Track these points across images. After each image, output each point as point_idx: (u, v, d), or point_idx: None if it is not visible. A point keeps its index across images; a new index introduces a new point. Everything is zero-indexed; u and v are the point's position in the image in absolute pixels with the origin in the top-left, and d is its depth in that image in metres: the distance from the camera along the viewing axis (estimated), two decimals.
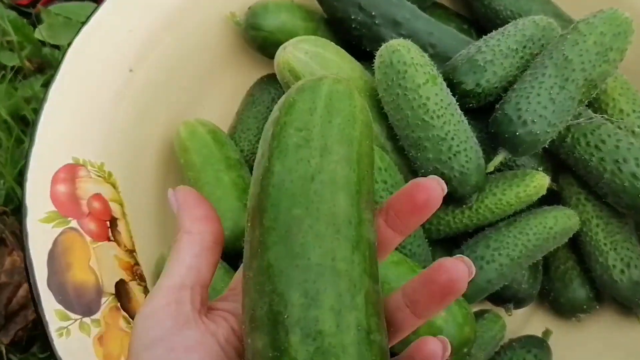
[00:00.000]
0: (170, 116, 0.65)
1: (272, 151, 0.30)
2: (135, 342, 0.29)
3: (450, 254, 0.57)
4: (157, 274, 0.55)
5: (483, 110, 0.58)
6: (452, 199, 0.55)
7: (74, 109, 0.55)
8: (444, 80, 0.56)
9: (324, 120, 0.30)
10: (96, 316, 0.46)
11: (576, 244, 0.60)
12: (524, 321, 0.63)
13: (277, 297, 0.26)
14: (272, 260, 0.27)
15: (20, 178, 0.73)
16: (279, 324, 0.26)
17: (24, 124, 0.79)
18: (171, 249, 0.32)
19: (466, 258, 0.31)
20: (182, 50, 0.65)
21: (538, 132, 0.53)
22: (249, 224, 0.30)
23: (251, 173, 0.62)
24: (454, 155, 0.53)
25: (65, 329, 0.44)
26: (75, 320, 0.45)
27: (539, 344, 0.57)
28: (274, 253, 0.28)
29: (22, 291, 0.67)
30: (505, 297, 0.59)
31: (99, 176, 0.54)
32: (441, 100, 0.53)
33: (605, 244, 0.57)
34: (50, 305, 0.45)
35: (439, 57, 0.60)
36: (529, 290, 0.59)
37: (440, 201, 0.32)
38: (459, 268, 0.30)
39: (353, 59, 0.59)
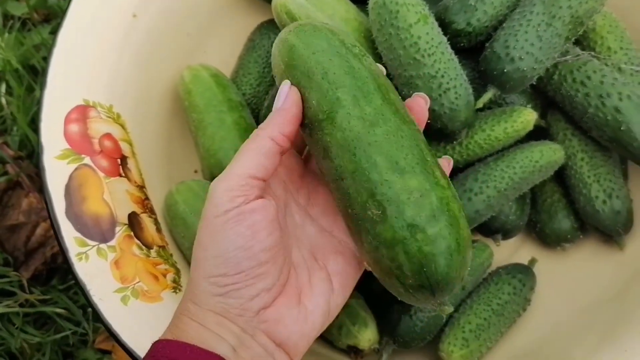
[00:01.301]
0: (175, 61, 0.67)
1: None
2: (210, 212, 0.38)
3: None
4: (167, 208, 0.59)
5: (475, 49, 0.60)
6: (443, 135, 0.58)
7: (82, 53, 0.57)
8: (436, 19, 0.58)
9: None
10: (112, 243, 0.50)
11: (562, 178, 0.63)
12: (512, 252, 0.67)
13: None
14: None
15: (33, 125, 0.77)
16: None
17: (34, 73, 0.82)
18: (244, 144, 0.40)
19: (421, 93, 0.45)
20: None
21: (525, 68, 0.55)
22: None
23: (252, 115, 0.66)
24: (444, 92, 0.55)
25: (84, 254, 0.49)
26: (93, 246, 0.49)
27: (524, 270, 0.61)
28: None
29: (40, 230, 0.71)
30: (493, 228, 0.62)
31: (109, 117, 0.57)
32: (432, 39, 0.55)
33: (589, 177, 0.60)
34: (69, 234, 0.49)
35: None
36: (516, 222, 0.62)
37: (427, 113, 0.43)
38: (417, 102, 0.43)
39: (348, 1, 0.61)
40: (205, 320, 0.37)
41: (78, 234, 0.49)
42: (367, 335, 0.56)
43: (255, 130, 0.40)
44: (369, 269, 0.42)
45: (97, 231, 0.50)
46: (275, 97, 0.42)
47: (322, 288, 0.41)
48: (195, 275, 0.38)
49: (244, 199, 0.37)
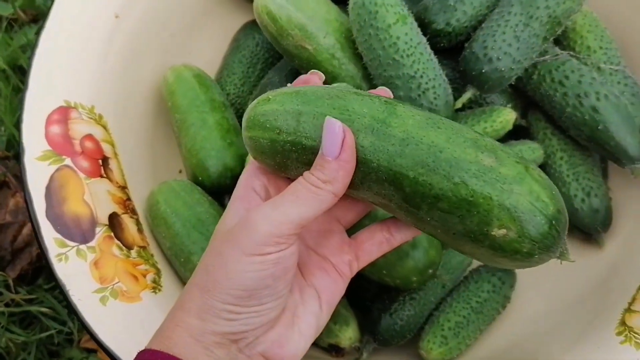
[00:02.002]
0: (159, 61, 0.68)
1: None
2: (249, 246, 0.36)
3: None
4: (149, 209, 0.59)
5: (455, 49, 0.61)
6: None
7: (64, 54, 0.58)
8: (416, 20, 0.58)
9: None
10: (91, 243, 0.50)
11: None
12: None
13: None
14: None
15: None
16: None
17: (22, 74, 0.83)
18: (306, 190, 0.37)
19: (384, 88, 0.42)
20: None
21: (503, 69, 0.56)
22: None
23: (236, 115, 0.66)
24: (423, 92, 0.55)
25: (64, 255, 0.49)
26: (72, 247, 0.50)
27: (503, 269, 0.62)
28: None
29: (27, 230, 0.72)
30: None
31: (91, 118, 0.57)
32: (411, 39, 0.55)
33: (567, 175, 0.60)
34: (49, 234, 0.50)
35: None
36: None
37: None
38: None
39: (329, 1, 0.61)
40: (205, 338, 0.36)
41: (58, 235, 0.49)
42: (348, 334, 0.57)
43: (317, 180, 0.37)
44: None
45: (77, 232, 0.50)
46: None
47: (312, 307, 0.41)
48: (209, 296, 0.37)
49: (287, 246, 0.37)
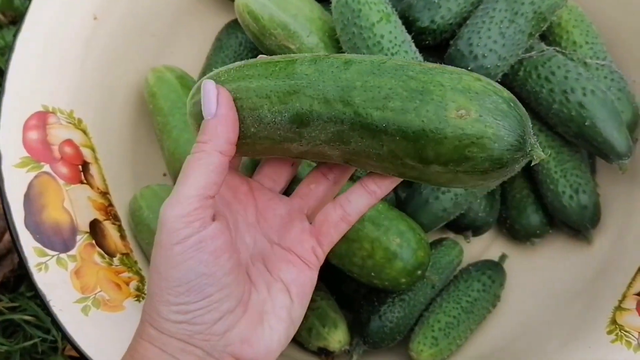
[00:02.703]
0: (140, 63, 0.66)
1: None
2: (165, 240, 0.36)
3: (410, 187, 0.60)
4: (131, 214, 0.58)
5: (440, 47, 0.60)
6: None
7: (42, 58, 0.56)
8: (401, 17, 0.57)
9: None
10: (72, 252, 0.49)
11: (531, 174, 0.63)
12: (484, 248, 0.67)
13: None
14: None
15: None
16: None
17: (1, 76, 0.81)
18: (190, 161, 0.37)
19: None
20: None
21: (489, 66, 0.55)
22: None
23: None
24: None
25: (44, 264, 0.48)
26: (53, 256, 0.48)
27: (493, 267, 0.61)
28: None
29: (8, 237, 0.70)
30: (463, 225, 0.62)
31: (69, 123, 0.56)
32: (395, 37, 0.55)
33: (556, 172, 0.60)
34: (28, 243, 0.48)
35: None
36: (486, 218, 0.62)
37: None
38: None
39: (312, 0, 0.60)
40: (168, 346, 0.36)
41: (37, 244, 0.48)
42: (337, 337, 0.56)
43: (198, 144, 0.38)
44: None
45: (57, 240, 0.49)
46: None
47: (282, 301, 0.40)
48: (154, 302, 0.36)
49: (201, 223, 0.36)
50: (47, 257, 0.48)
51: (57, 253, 0.49)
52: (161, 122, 0.61)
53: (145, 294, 0.52)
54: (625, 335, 0.46)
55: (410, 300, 0.57)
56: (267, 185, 0.45)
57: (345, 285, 0.61)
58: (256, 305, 0.39)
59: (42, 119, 0.54)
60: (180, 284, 0.35)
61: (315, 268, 0.42)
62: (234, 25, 0.72)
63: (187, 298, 0.35)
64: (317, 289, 0.60)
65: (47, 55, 0.57)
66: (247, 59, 0.70)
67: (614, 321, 0.48)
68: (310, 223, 0.44)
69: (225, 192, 0.42)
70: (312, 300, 0.58)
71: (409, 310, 0.57)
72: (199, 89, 0.40)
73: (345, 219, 0.42)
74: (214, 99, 0.38)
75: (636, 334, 0.45)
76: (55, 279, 0.47)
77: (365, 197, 0.42)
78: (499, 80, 0.57)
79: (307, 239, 0.42)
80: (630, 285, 0.50)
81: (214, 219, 0.37)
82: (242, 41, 0.71)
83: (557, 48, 0.61)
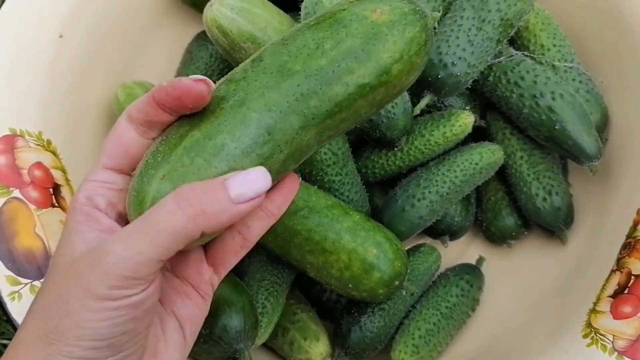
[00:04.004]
0: (109, 79, 0.66)
1: None
2: (96, 287, 0.30)
3: (386, 195, 0.60)
4: None
5: None
6: (383, 143, 0.58)
7: (7, 79, 0.55)
8: None
9: None
10: None
11: (505, 177, 0.63)
12: (461, 251, 0.67)
13: None
14: None
15: None
16: None
17: None
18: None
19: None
20: (114, 11, 0.65)
21: (459, 73, 0.55)
22: None
23: None
24: None
25: (17, 293, 0.47)
26: (26, 284, 0.48)
27: (471, 270, 0.62)
28: None
29: None
30: (440, 231, 0.63)
31: (38, 145, 0.55)
32: None
33: (528, 175, 0.60)
34: (1, 272, 0.47)
35: None
36: (462, 222, 0.63)
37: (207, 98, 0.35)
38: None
39: (281, 11, 0.60)
40: None
41: (9, 273, 0.47)
42: (318, 349, 0.56)
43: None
44: None
45: (31, 267, 0.48)
46: None
47: (175, 339, 0.36)
48: (54, 351, 0.30)
49: (148, 284, 0.31)
50: (21, 286, 0.47)
51: (30, 281, 0.48)
52: None
53: None
54: (600, 338, 0.47)
55: (390, 309, 0.57)
56: None
57: (325, 296, 0.61)
58: (151, 345, 0.35)
59: (9, 142, 0.53)
60: (102, 339, 0.30)
61: (209, 298, 0.39)
62: (204, 37, 0.71)
63: (102, 353, 0.30)
64: (297, 301, 0.60)
65: (13, 77, 0.55)
66: (219, 70, 0.71)
67: (589, 324, 0.49)
68: (205, 250, 0.40)
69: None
70: (293, 314, 0.58)
71: (389, 319, 0.57)
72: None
73: (244, 245, 0.39)
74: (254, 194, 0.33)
75: (611, 337, 0.46)
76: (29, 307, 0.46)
77: (264, 219, 0.39)
78: (469, 87, 0.58)
79: (205, 269, 0.39)
80: (604, 287, 0.51)
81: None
82: (213, 53, 0.70)
83: (526, 52, 0.61)
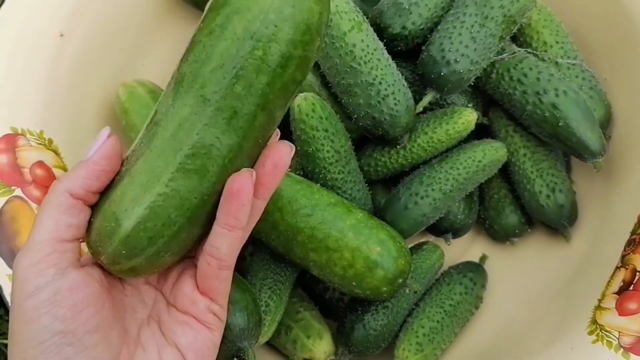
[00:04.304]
0: (110, 78, 0.65)
1: None
2: (17, 294, 0.32)
3: (389, 193, 0.60)
4: None
5: (413, 51, 0.60)
6: (386, 141, 0.58)
7: (8, 79, 0.55)
8: (372, 25, 0.57)
9: None
10: None
11: (508, 174, 0.63)
12: (464, 249, 0.67)
13: None
14: None
15: None
16: None
17: None
18: (41, 205, 0.35)
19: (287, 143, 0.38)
20: (115, 9, 0.65)
21: (461, 70, 0.55)
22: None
23: None
24: (383, 99, 0.55)
25: None
26: None
27: (474, 268, 0.61)
28: None
29: None
30: (443, 228, 0.62)
31: (40, 144, 0.55)
32: (367, 46, 0.54)
33: (532, 172, 0.60)
34: (2, 271, 0.47)
35: (370, 0, 0.62)
36: (465, 220, 0.62)
37: (289, 160, 0.37)
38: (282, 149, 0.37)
39: None
40: None
41: (12, 272, 0.47)
42: (322, 347, 0.56)
43: (54, 183, 0.35)
44: None
45: None
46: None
47: None
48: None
49: (55, 270, 0.32)
50: None
51: None
52: (134, 139, 0.60)
53: None
54: (606, 335, 0.46)
55: (393, 307, 0.57)
56: None
57: (328, 294, 0.61)
58: None
59: (11, 141, 0.53)
60: (34, 345, 0.31)
61: (217, 329, 0.39)
62: None
63: (59, 349, 0.31)
64: (300, 299, 0.59)
65: (14, 76, 0.55)
66: None
67: (594, 321, 0.48)
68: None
69: None
70: (296, 312, 0.58)
71: (393, 317, 0.57)
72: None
73: (222, 265, 0.37)
74: (97, 145, 0.36)
75: (617, 334, 0.46)
76: None
77: (227, 235, 0.36)
78: (472, 84, 0.58)
79: (199, 298, 0.38)
80: (609, 284, 0.51)
81: (81, 267, 0.34)
82: None
83: (529, 49, 0.61)
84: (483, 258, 0.64)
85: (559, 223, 0.60)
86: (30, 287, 0.31)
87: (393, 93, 0.55)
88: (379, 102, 0.55)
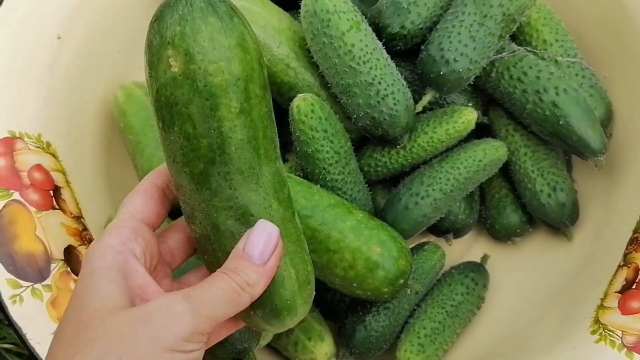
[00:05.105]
0: (108, 80, 0.65)
1: None
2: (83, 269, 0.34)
3: (389, 194, 0.60)
4: None
5: (412, 51, 0.60)
6: (386, 141, 0.57)
7: (6, 81, 0.55)
8: (371, 24, 0.57)
9: None
10: (47, 282, 0.48)
11: (509, 173, 0.63)
12: (466, 249, 0.67)
13: None
14: None
15: None
16: None
17: None
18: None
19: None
20: (113, 11, 0.65)
21: (461, 70, 0.55)
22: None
23: None
24: (382, 99, 0.54)
25: (18, 296, 0.46)
26: (27, 287, 0.47)
27: (475, 268, 0.61)
28: None
29: None
30: (444, 228, 0.62)
31: (38, 147, 0.55)
32: (366, 45, 0.54)
33: (533, 171, 0.60)
34: (1, 275, 0.47)
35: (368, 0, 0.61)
36: (466, 220, 0.62)
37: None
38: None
39: (280, 10, 0.60)
40: None
41: (10, 276, 0.47)
42: (323, 349, 0.56)
43: (242, 282, 0.35)
44: None
45: (31, 270, 0.48)
46: None
47: None
48: None
49: (204, 344, 0.34)
50: (22, 289, 0.47)
51: (31, 284, 0.47)
52: (133, 141, 0.60)
53: None
54: (609, 334, 0.46)
55: (395, 308, 0.56)
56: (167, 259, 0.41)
57: (329, 295, 0.60)
58: None
59: (9, 145, 0.53)
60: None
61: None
62: None
63: None
64: None
65: (11, 79, 0.55)
66: None
67: (597, 320, 0.48)
68: None
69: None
70: None
71: (394, 318, 0.56)
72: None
73: (236, 323, 0.40)
74: (272, 247, 0.35)
75: (620, 333, 0.46)
76: (30, 310, 0.46)
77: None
78: (472, 83, 0.58)
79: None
80: (611, 283, 0.50)
81: None
82: None
83: (528, 48, 0.61)
84: (484, 258, 0.64)
85: (560, 222, 0.60)
86: (187, 346, 0.33)
87: (392, 93, 0.54)
88: (379, 102, 0.54)
